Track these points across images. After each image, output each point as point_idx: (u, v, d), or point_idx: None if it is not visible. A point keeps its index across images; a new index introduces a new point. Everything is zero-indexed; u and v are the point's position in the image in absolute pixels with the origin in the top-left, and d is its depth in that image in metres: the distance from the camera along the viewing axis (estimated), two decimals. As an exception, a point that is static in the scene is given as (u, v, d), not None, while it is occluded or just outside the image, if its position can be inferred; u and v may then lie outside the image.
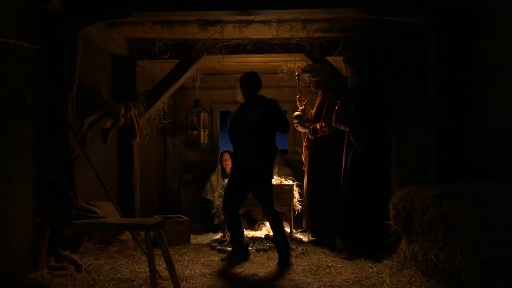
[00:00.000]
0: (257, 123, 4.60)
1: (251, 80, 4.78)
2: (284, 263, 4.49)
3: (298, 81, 6.08)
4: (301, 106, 5.94)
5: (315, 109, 5.73)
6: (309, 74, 5.60)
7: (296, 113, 5.89)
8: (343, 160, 5.08)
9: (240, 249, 4.78)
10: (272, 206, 4.68)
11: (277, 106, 4.75)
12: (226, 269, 4.37)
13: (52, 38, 4.14)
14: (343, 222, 4.90)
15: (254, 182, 4.68)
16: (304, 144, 5.89)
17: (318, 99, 5.75)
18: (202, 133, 7.73)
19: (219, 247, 5.25)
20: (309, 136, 5.60)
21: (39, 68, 3.96)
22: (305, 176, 5.82)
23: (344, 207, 4.92)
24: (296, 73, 6.13)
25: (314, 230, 5.64)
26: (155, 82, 6.36)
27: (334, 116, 5.09)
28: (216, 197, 6.50)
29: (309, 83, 5.80)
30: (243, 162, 4.71)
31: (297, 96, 5.99)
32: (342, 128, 5.08)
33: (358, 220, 4.75)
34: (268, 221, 5.12)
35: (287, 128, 4.75)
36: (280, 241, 4.65)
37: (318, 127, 5.46)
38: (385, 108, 4.95)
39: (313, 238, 5.61)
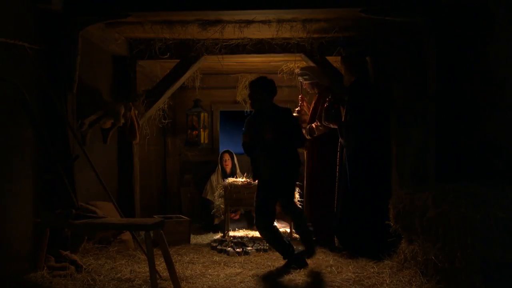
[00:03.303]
0: (274, 141, 4.38)
1: (265, 87, 4.48)
2: (309, 254, 4.53)
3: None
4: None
5: (311, 109, 5.76)
6: (302, 78, 5.73)
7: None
8: (337, 159, 5.14)
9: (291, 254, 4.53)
10: (292, 202, 4.74)
11: (293, 118, 4.68)
12: (226, 269, 4.37)
13: (52, 38, 4.14)
14: (339, 221, 4.91)
15: (278, 195, 4.52)
16: None
17: (314, 98, 5.78)
18: (202, 133, 7.74)
19: (219, 247, 5.25)
20: (307, 136, 5.58)
21: (39, 68, 3.96)
22: (305, 177, 5.82)
23: (340, 206, 4.93)
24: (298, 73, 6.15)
25: (315, 230, 5.63)
26: (155, 82, 6.36)
27: (323, 114, 5.18)
28: (216, 197, 6.50)
29: (304, 86, 5.87)
30: (265, 181, 4.51)
31: (300, 96, 6.02)
32: (331, 126, 5.18)
33: (353, 220, 4.75)
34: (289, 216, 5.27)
35: (303, 142, 4.64)
36: (302, 233, 4.64)
37: (314, 126, 5.49)
38: (376, 108, 4.88)
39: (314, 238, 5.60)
